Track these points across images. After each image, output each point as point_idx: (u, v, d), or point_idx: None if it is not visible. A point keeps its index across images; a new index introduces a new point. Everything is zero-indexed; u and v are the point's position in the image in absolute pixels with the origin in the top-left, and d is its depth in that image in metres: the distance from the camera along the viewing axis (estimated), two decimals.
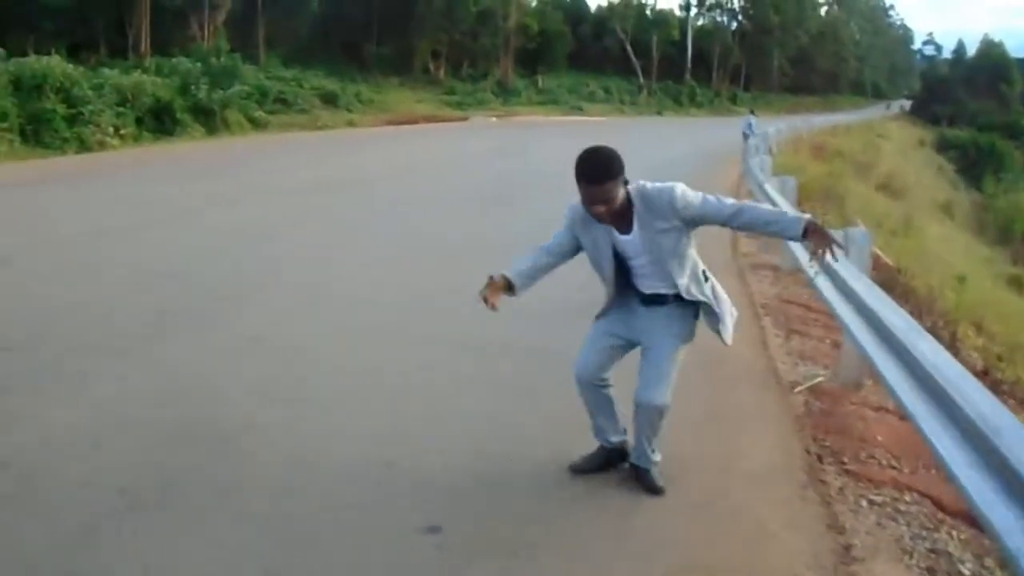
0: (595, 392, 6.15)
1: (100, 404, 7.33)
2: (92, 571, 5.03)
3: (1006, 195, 55.38)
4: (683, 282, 5.83)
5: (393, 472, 6.33)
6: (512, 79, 78.37)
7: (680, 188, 5.64)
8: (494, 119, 60.74)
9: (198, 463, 6.33)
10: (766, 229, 5.77)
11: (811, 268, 9.38)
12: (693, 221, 5.69)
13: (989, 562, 5.76)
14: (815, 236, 5.49)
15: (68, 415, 7.08)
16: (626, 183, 5.59)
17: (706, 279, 5.99)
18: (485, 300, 5.86)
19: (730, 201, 5.71)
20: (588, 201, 5.54)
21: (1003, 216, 48.95)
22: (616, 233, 5.75)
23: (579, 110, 76.30)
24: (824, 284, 8.61)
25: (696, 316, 6.03)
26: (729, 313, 6.07)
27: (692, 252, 5.87)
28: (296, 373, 8.33)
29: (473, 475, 6.33)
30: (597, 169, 5.50)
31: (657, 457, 6.13)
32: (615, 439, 6.28)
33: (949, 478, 4.65)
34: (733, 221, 5.71)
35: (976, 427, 4.37)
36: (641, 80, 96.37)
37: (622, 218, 5.66)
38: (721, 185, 26.38)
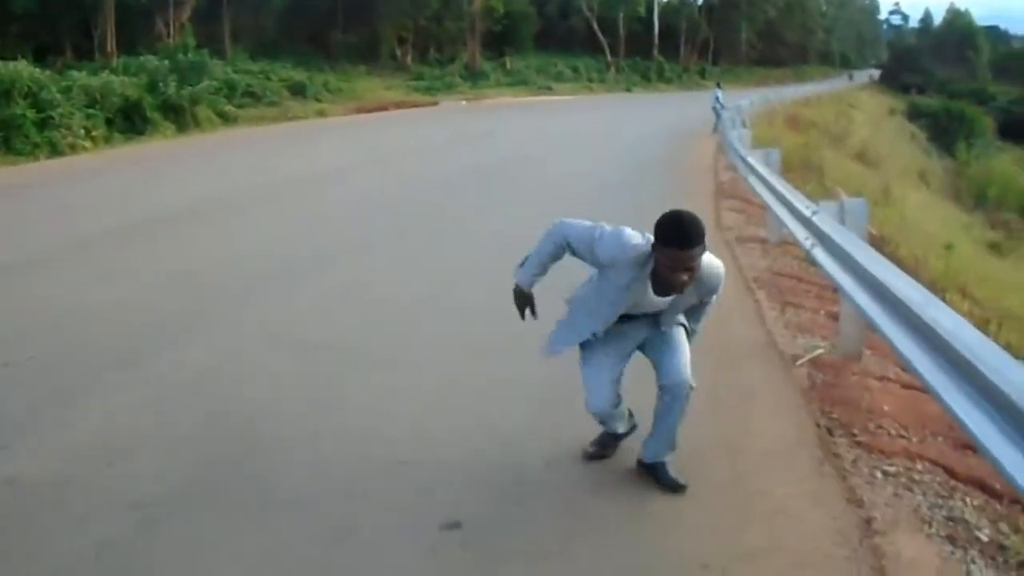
0: (618, 419, 6.14)
1: (108, 416, 7.17)
2: None
3: (978, 161, 55.70)
4: (665, 328, 5.95)
5: (407, 470, 6.24)
6: (480, 62, 78.05)
7: (723, 283, 5.82)
8: (464, 102, 60.66)
9: (214, 472, 6.22)
10: (693, 320, 6.12)
11: (807, 241, 9.36)
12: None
13: (1004, 527, 5.73)
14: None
15: (71, 430, 6.91)
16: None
17: None
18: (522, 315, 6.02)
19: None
20: (673, 268, 5.25)
21: (977, 182, 49.18)
22: (651, 290, 5.60)
23: (548, 90, 76.16)
24: (824, 257, 8.58)
25: None
26: None
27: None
28: (299, 374, 8.21)
29: (488, 470, 6.26)
30: (687, 235, 5.21)
31: (678, 442, 6.00)
32: (623, 429, 6.26)
33: (978, 450, 4.59)
34: (694, 318, 6.12)
35: (1006, 396, 4.31)
36: (609, 58, 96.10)
37: None
38: (699, 162, 26.41)
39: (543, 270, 5.86)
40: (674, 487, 5.89)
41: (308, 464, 6.33)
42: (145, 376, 8.05)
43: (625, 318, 5.81)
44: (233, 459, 6.37)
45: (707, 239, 5.33)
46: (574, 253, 5.69)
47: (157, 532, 5.40)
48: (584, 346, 5.96)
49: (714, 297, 5.90)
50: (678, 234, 5.20)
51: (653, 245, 5.33)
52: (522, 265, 5.90)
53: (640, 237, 5.49)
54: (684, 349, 5.89)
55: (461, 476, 6.15)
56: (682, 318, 5.99)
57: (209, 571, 5.07)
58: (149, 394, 7.64)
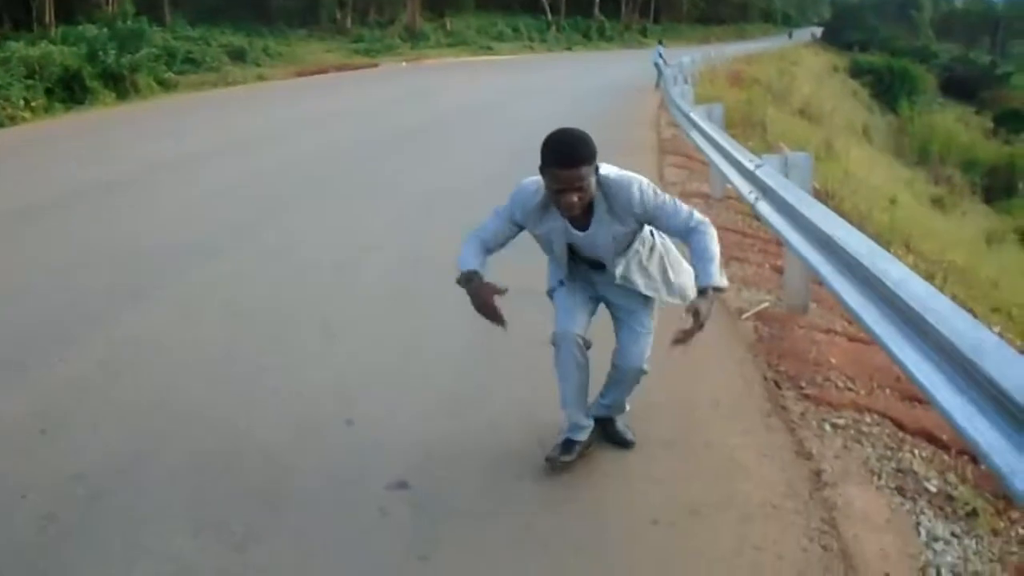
0: (578, 357, 5.45)
1: (43, 392, 7.04)
2: (53, 571, 4.81)
3: (920, 117, 56.24)
4: (618, 271, 5.36)
5: (354, 431, 6.23)
6: (420, 23, 77.57)
7: (638, 187, 5.04)
8: (404, 64, 60.34)
9: (155, 441, 6.14)
10: (694, 257, 5.09)
11: (751, 195, 9.33)
12: (645, 222, 5.21)
13: (952, 478, 5.75)
14: (699, 308, 4.88)
15: (9, 406, 6.79)
16: (596, 169, 4.92)
17: (662, 270, 5.49)
18: (497, 317, 5.17)
19: (686, 213, 5.11)
20: (559, 190, 4.81)
21: (919, 138, 49.66)
22: (571, 228, 5.16)
23: (489, 50, 75.84)
24: (768, 210, 8.55)
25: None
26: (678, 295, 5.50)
27: (637, 246, 5.36)
28: (241, 336, 8.20)
29: (435, 430, 6.22)
30: (572, 152, 4.77)
31: (628, 408, 5.90)
32: (585, 431, 5.72)
33: (929, 401, 4.56)
34: (684, 236, 5.12)
35: (956, 348, 4.28)
36: (549, 17, 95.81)
37: (584, 211, 5.04)
38: (640, 117, 26.44)
39: (481, 255, 5.26)
40: (622, 443, 5.88)
41: (242, 434, 6.25)
42: (87, 347, 7.98)
43: (593, 267, 5.48)
44: (163, 437, 6.23)
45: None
46: (502, 242, 5.35)
47: (97, 504, 5.33)
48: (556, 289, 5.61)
49: (686, 219, 5.07)
50: (559, 152, 4.79)
51: (540, 169, 4.92)
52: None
53: (538, 179, 5.08)
54: (646, 339, 5.55)
55: (407, 436, 6.11)
56: (651, 291, 5.46)
57: (152, 541, 4.99)
58: (89, 367, 7.54)
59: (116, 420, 6.48)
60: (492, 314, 5.16)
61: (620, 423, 5.94)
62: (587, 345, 5.50)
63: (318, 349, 7.84)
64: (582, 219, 5.10)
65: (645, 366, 5.58)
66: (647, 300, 5.53)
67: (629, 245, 5.33)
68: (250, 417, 6.46)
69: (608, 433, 5.91)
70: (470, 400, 6.61)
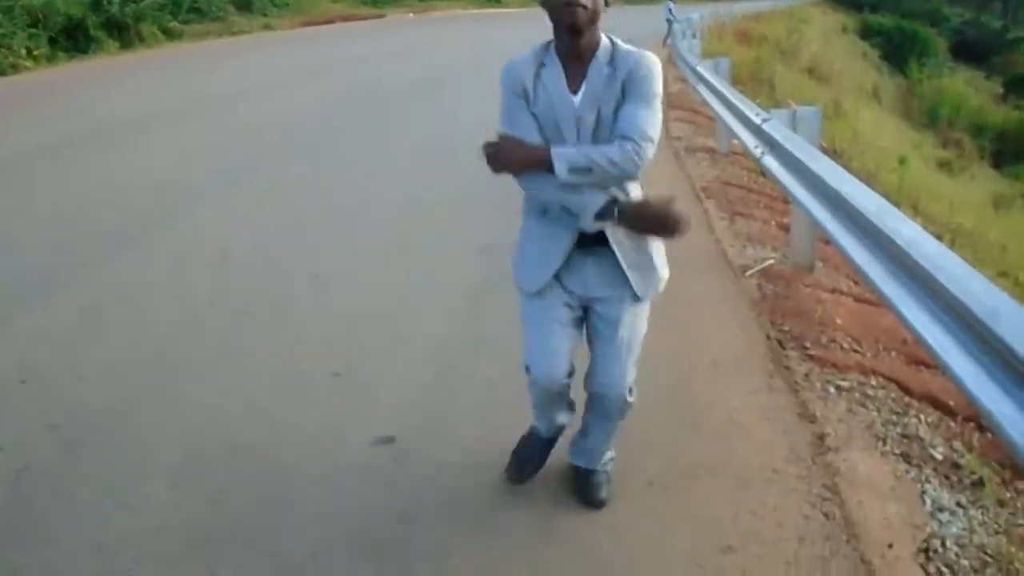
0: (560, 390, 4.56)
1: (25, 342, 6.94)
2: (27, 523, 4.68)
3: (930, 80, 55.99)
4: (592, 215, 4.06)
5: (342, 383, 6.10)
6: None
7: (650, 61, 4.19)
8: (411, 15, 60.08)
9: (135, 392, 6.02)
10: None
11: (757, 149, 9.14)
12: (620, 97, 4.13)
13: (958, 445, 5.60)
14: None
15: None
16: (606, 3, 4.16)
17: None
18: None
19: (642, 133, 4.00)
20: (567, 3, 4.01)
21: (928, 101, 49.42)
22: (567, 90, 4.16)
23: (497, 3, 75.58)
24: (775, 165, 8.37)
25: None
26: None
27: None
28: (229, 285, 8.06)
29: (423, 384, 6.09)
30: None
31: (611, 455, 4.95)
32: (564, 420, 4.92)
33: (940, 367, 4.36)
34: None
35: (969, 310, 4.07)
36: None
37: (579, 59, 4.19)
38: None
39: None
40: (591, 501, 4.82)
41: (224, 386, 6.12)
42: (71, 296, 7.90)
43: (590, 239, 4.19)
44: (144, 386, 6.12)
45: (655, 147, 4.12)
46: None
47: (73, 456, 5.23)
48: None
49: (639, 131, 3.97)
50: None
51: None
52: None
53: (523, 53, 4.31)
54: (628, 351, 4.47)
55: (393, 390, 5.99)
56: (635, 270, 4.27)
57: (127, 495, 4.87)
58: (72, 316, 7.45)
59: (97, 371, 6.36)
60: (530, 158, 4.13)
61: (601, 474, 4.92)
62: (571, 375, 4.55)
63: (308, 300, 7.72)
64: (576, 76, 4.20)
65: (630, 396, 4.56)
66: (634, 299, 4.38)
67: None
68: (234, 369, 6.34)
69: (580, 478, 4.93)
70: (463, 354, 6.48)
